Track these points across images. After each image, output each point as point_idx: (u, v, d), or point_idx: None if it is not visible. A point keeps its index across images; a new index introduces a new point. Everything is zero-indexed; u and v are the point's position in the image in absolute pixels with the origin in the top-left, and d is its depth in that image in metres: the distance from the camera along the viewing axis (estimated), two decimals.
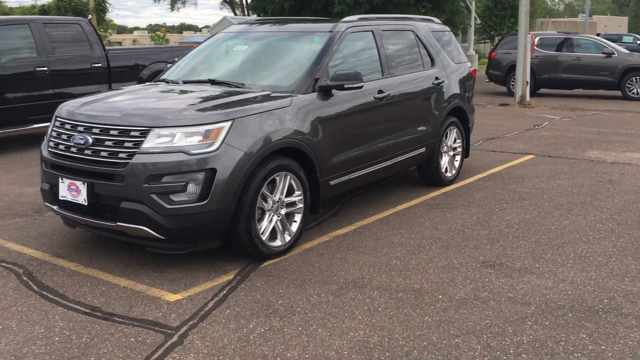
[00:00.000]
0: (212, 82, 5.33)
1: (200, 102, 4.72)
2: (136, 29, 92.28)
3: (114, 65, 10.28)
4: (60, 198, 4.59)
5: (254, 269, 4.55)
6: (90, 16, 19.84)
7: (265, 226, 4.64)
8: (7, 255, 4.88)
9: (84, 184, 4.39)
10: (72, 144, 4.52)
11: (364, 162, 5.61)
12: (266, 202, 4.64)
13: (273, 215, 4.71)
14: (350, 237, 5.28)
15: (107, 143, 4.36)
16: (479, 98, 16.66)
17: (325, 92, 5.14)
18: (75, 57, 9.87)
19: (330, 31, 5.55)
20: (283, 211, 4.79)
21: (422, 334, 3.56)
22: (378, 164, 5.82)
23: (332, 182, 5.25)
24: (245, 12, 37.34)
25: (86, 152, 4.43)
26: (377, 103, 5.70)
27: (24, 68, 9.27)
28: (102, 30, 20.86)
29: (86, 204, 4.40)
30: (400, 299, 4.02)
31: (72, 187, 4.47)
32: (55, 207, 4.74)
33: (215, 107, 4.53)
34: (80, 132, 4.50)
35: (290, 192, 4.84)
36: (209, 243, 4.48)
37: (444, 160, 6.97)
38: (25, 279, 4.41)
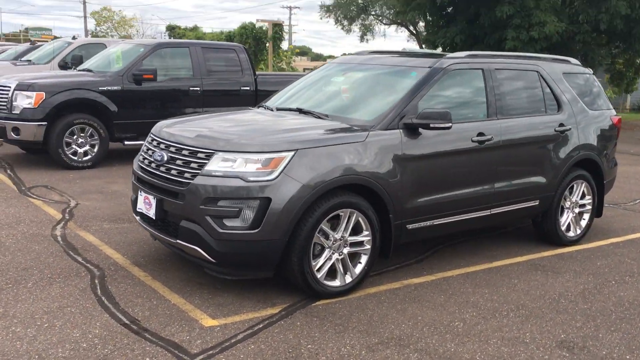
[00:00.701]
0: (300, 110, 5.31)
1: (272, 129, 4.70)
2: (330, 57, 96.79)
3: (262, 89, 10.75)
4: (137, 210, 4.83)
5: (303, 306, 4.38)
6: (267, 43, 21.11)
7: (322, 263, 4.45)
8: (95, 257, 5.23)
9: (154, 198, 4.57)
10: (152, 160, 4.74)
11: (453, 209, 5.18)
12: (327, 238, 4.46)
13: (333, 253, 4.51)
14: (423, 288, 4.88)
15: (177, 162, 4.50)
16: None
17: (412, 130, 4.85)
18: (227, 79, 10.50)
19: (429, 67, 5.24)
20: (346, 250, 4.58)
21: None
22: (471, 212, 5.34)
23: (410, 226, 4.91)
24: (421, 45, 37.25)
25: (161, 168, 4.62)
26: (475, 147, 5.24)
27: (179, 86, 10.05)
28: (276, 56, 22.17)
29: (154, 218, 4.57)
30: None
31: (147, 200, 4.68)
32: (137, 218, 4.99)
33: (281, 136, 4.47)
34: (161, 149, 4.71)
35: (357, 231, 4.61)
36: (260, 273, 4.41)
37: (566, 217, 6.21)
38: (96, 281, 4.69)
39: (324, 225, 4.41)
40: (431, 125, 4.78)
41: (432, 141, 4.96)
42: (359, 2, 35.57)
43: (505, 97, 5.64)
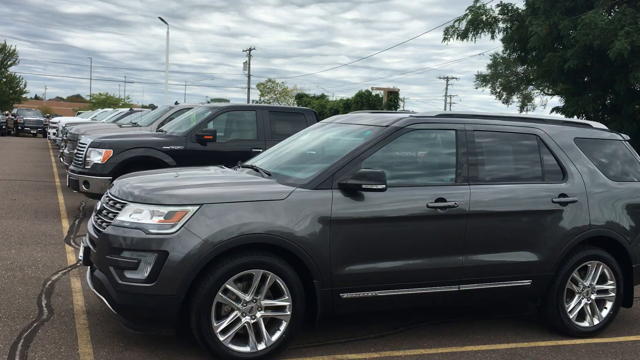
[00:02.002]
0: (253, 168, 5.19)
1: (192, 184, 4.63)
2: None
3: None
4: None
5: None
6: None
7: (226, 325, 4.20)
8: (59, 302, 5.39)
9: (84, 245, 4.67)
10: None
11: (405, 280, 4.66)
12: (237, 299, 4.22)
13: (244, 316, 4.25)
14: None
15: (103, 212, 4.57)
16: None
17: (351, 192, 4.51)
18: None
19: (386, 126, 4.88)
20: (259, 314, 4.29)
21: None
22: (432, 287, 4.76)
23: (345, 295, 4.50)
24: None
25: (94, 218, 4.72)
26: (432, 213, 4.72)
27: (242, 147, 10.35)
28: None
29: (80, 263, 4.65)
30: None
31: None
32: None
33: (190, 190, 4.38)
34: (103, 200, 4.82)
35: (279, 295, 4.32)
36: (161, 329, 4.25)
37: (576, 304, 5.31)
38: (34, 324, 4.81)
39: (231, 286, 4.18)
40: (363, 186, 4.42)
41: (376, 203, 4.57)
42: (519, 72, 34.50)
43: (486, 162, 5.07)
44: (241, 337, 4.29)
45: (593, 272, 5.36)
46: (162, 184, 4.57)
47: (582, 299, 5.35)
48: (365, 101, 21.56)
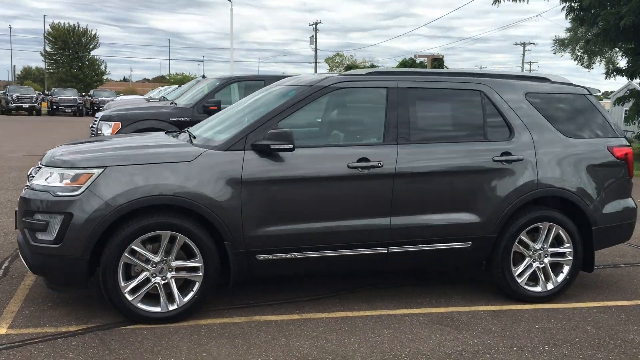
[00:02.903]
0: (187, 132, 5.19)
1: (107, 147, 4.68)
2: None
3: None
4: None
5: (105, 328, 4.22)
6: None
7: (135, 285, 4.27)
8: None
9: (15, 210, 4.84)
10: None
11: (326, 242, 4.56)
12: (148, 262, 4.27)
13: (154, 276, 4.30)
14: (266, 326, 4.36)
15: (29, 178, 4.72)
16: None
17: (265, 152, 4.44)
18: None
19: (310, 85, 4.75)
20: (170, 275, 4.33)
21: None
22: (357, 249, 4.64)
23: (261, 257, 4.46)
24: None
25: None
26: (354, 173, 4.57)
27: None
28: None
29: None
30: None
31: None
32: None
33: (98, 153, 4.44)
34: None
35: (192, 256, 4.35)
36: (74, 288, 4.37)
37: (526, 267, 5.04)
38: None
39: (138, 247, 4.23)
40: (271, 147, 4.35)
41: (293, 164, 4.48)
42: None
43: (420, 121, 4.85)
44: (154, 298, 4.35)
45: (544, 235, 5.05)
46: (78, 149, 4.67)
47: (534, 262, 5.06)
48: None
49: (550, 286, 5.10)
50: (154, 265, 4.30)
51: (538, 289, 5.09)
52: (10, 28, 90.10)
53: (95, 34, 65.62)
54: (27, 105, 37.30)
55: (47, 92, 52.26)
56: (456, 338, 4.27)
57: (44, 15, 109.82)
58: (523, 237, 5.00)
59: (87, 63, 65.12)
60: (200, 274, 4.36)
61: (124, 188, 4.18)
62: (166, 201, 4.24)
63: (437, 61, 20.53)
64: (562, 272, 5.14)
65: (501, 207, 4.87)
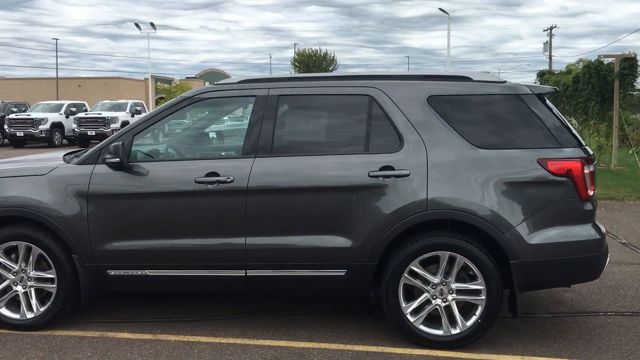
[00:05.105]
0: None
1: None
2: None
3: None
4: None
5: None
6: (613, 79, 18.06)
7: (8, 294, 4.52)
8: None
9: None
10: None
11: (178, 260, 4.33)
12: (13, 272, 4.51)
13: (16, 285, 4.52)
14: (96, 342, 4.29)
15: None
16: None
17: (114, 167, 4.38)
18: None
19: (182, 97, 4.56)
20: (30, 283, 4.50)
21: None
22: (212, 270, 4.31)
23: (112, 273, 4.41)
24: None
25: None
26: (202, 189, 4.25)
27: None
28: (627, 98, 18.61)
29: None
30: None
31: None
32: None
33: None
34: None
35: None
36: None
37: (422, 304, 4.17)
38: None
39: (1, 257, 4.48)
40: (106, 160, 4.29)
41: (140, 179, 4.37)
42: None
43: (287, 131, 4.36)
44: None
45: (444, 266, 4.15)
46: None
47: (434, 299, 4.19)
48: (594, 72, 18.62)
49: (455, 330, 4.17)
50: (15, 274, 4.51)
51: (439, 332, 4.19)
52: (270, 57, 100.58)
53: (333, 57, 69.52)
54: None
55: None
56: None
57: (295, 43, 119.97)
58: (415, 268, 4.17)
59: None
60: (54, 285, 4.46)
61: None
62: (16, 212, 4.44)
63: (628, 61, 17.55)
64: (474, 314, 4.17)
65: (378, 231, 4.13)
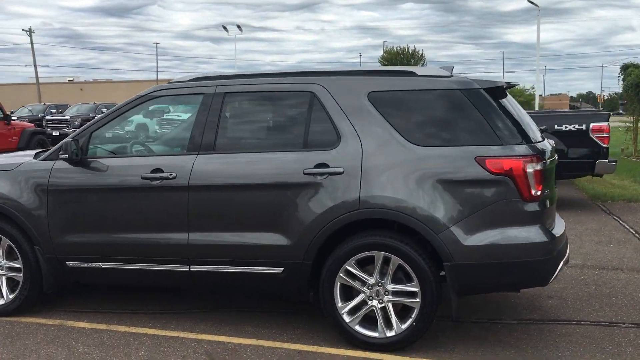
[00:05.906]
0: None
1: None
2: None
3: None
4: None
5: None
6: None
7: None
8: None
9: None
10: None
11: (127, 254, 4.46)
12: None
13: None
14: (57, 331, 4.50)
15: None
16: None
17: (74, 162, 4.59)
18: None
19: (139, 95, 4.70)
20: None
21: None
22: (159, 264, 4.41)
23: (70, 264, 4.62)
24: None
25: None
26: (147, 185, 4.37)
27: None
28: None
29: None
30: None
31: None
32: None
33: None
34: None
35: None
36: None
37: (358, 304, 4.08)
38: None
39: None
40: (60, 157, 4.50)
41: (93, 175, 4.55)
42: None
43: (230, 129, 4.40)
44: None
45: (379, 267, 4.04)
46: None
47: (370, 300, 4.09)
48: None
49: (390, 332, 4.05)
50: None
51: (375, 334, 4.07)
52: (360, 55, 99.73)
53: (422, 54, 67.01)
54: None
55: None
56: None
57: (384, 41, 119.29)
58: (351, 268, 4.09)
59: None
60: (21, 274, 4.73)
61: None
62: None
63: None
64: (410, 317, 4.04)
65: (311, 229, 4.08)
